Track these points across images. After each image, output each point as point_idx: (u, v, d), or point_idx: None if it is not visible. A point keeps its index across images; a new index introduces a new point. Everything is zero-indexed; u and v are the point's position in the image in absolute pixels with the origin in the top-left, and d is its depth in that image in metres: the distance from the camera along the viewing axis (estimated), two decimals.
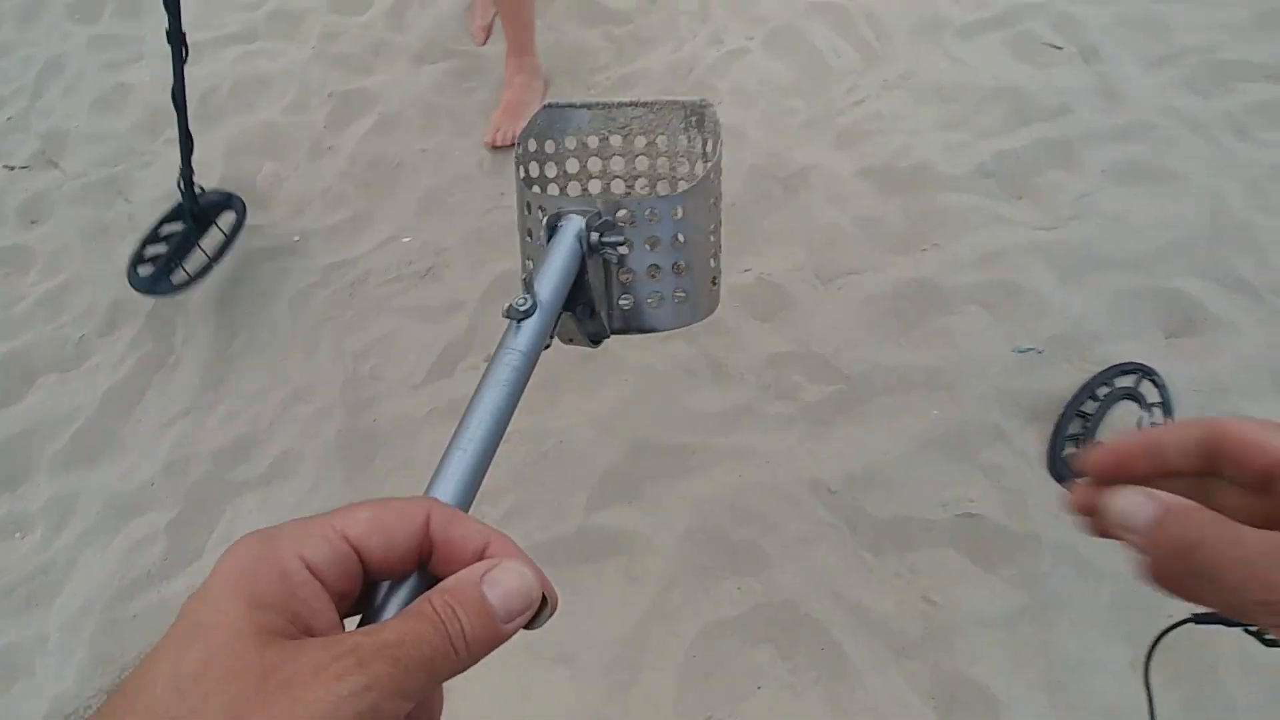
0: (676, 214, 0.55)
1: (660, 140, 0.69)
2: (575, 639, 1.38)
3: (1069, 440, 1.49)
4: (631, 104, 0.67)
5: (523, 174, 0.65)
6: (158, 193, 2.09)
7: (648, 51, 2.19)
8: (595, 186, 0.70)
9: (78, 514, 1.63)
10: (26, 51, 2.50)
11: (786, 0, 2.23)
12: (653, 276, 0.57)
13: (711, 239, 0.60)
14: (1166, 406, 1.47)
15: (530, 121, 0.65)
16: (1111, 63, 1.98)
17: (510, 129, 1.99)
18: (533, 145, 0.66)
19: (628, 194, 0.71)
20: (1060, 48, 2.03)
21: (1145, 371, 1.50)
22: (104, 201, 2.10)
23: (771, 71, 2.09)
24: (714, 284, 0.62)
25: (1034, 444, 1.50)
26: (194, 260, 1.78)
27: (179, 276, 1.73)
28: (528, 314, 0.45)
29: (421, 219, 1.95)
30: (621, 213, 0.54)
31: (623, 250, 0.54)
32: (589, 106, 0.66)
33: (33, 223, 2.09)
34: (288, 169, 2.11)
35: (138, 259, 1.75)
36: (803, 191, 1.86)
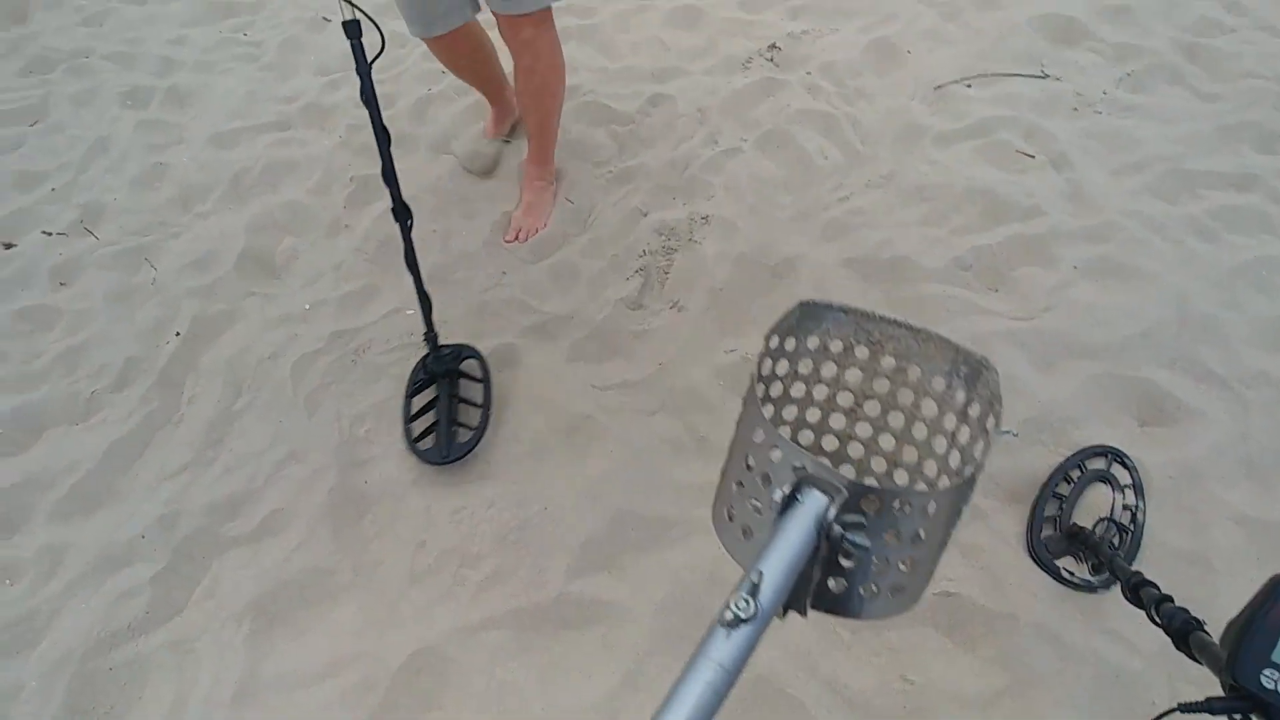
0: (928, 510, 0.50)
1: (912, 371, 0.62)
2: (550, 706, 1.37)
3: (1046, 521, 1.51)
4: (894, 322, 0.61)
5: (769, 384, 0.60)
6: (184, 260, 2.21)
7: (647, 149, 2.35)
8: (814, 415, 0.65)
9: (67, 564, 1.65)
10: (77, 131, 2.70)
11: (778, 107, 2.41)
12: (878, 568, 0.51)
13: (949, 537, 0.54)
14: (1138, 489, 1.50)
15: (784, 316, 0.61)
16: (1080, 170, 2.11)
17: (530, 226, 2.12)
18: (775, 342, 0.61)
19: (849, 433, 0.66)
20: (1032, 155, 2.17)
21: (1116, 455, 1.54)
22: (131, 267, 2.22)
23: (763, 169, 2.24)
24: (932, 574, 0.55)
25: (1012, 524, 1.53)
26: (466, 414, 1.74)
27: (464, 435, 1.68)
28: (746, 622, 0.41)
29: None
30: (871, 499, 0.48)
31: (867, 545, 0.48)
32: (846, 311, 0.62)
33: (62, 284, 2.21)
34: (305, 244, 2.24)
35: (414, 439, 1.70)
36: (789, 278, 1.96)
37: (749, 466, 0.53)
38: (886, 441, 0.65)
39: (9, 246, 2.34)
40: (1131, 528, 1.46)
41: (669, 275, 2.00)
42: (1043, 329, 1.78)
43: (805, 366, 0.64)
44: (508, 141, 2.40)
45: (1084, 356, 1.73)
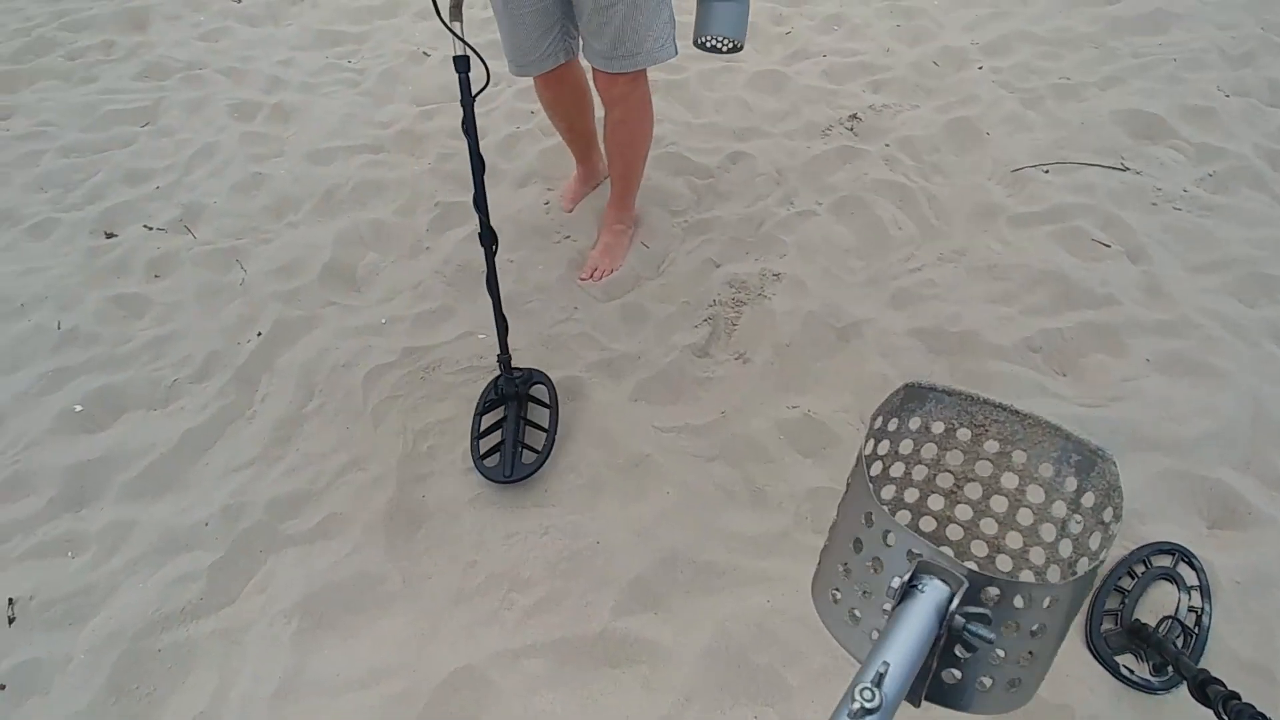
0: (1047, 604, 0.49)
1: (1016, 455, 0.62)
2: None
3: (1106, 615, 1.47)
4: (1000, 406, 0.61)
5: (870, 463, 0.60)
6: (272, 265, 2.31)
7: (724, 203, 2.42)
8: (911, 495, 0.65)
9: (130, 542, 1.70)
10: (185, 136, 2.87)
11: (855, 174, 2.46)
12: (995, 661, 0.51)
13: (1067, 630, 0.54)
14: (1204, 590, 1.46)
15: (889, 397, 0.62)
16: (1157, 263, 2.10)
17: (606, 267, 2.18)
18: (879, 422, 0.62)
19: (948, 515, 0.66)
20: (1108, 245, 2.18)
21: (1183, 553, 1.50)
22: (223, 268, 2.33)
23: (836, 233, 2.28)
24: (1048, 669, 0.54)
25: None
26: (531, 437, 1.78)
27: (528, 457, 1.73)
28: (870, 713, 0.41)
29: None
30: (991, 590, 0.48)
31: (991, 638, 0.47)
32: (950, 393, 0.62)
33: (156, 277, 2.33)
34: (387, 261, 2.33)
35: (480, 455, 1.74)
36: (855, 342, 1.97)
37: (857, 549, 0.53)
38: (988, 526, 0.65)
39: (110, 236, 2.48)
40: (1196, 630, 1.42)
41: (737, 327, 2.04)
42: (1111, 418, 1.76)
43: (906, 447, 0.64)
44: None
45: (1153, 450, 1.70)
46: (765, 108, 2.80)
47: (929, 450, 0.64)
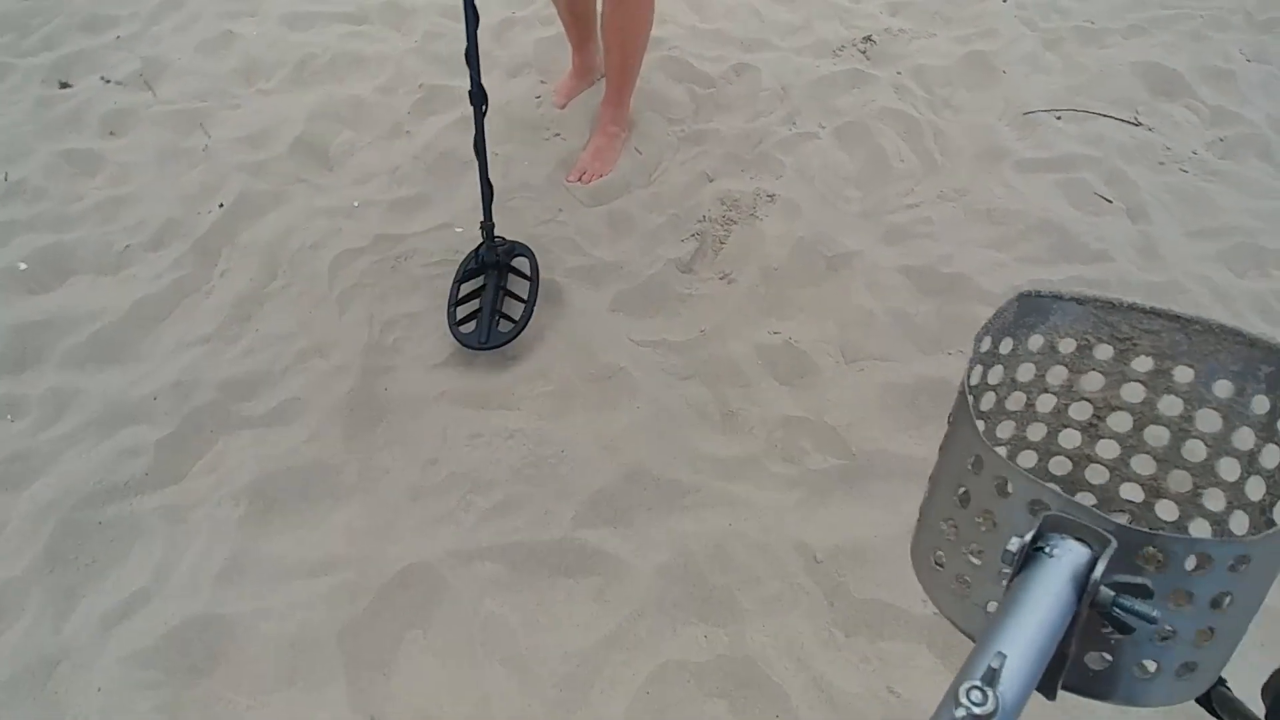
0: (1232, 564, 0.37)
1: (1180, 373, 0.49)
2: (533, 647, 1.36)
3: None
4: (1152, 311, 0.48)
5: (979, 395, 0.50)
6: (238, 133, 2.17)
7: (724, 115, 2.30)
8: (1037, 431, 0.53)
9: (73, 410, 1.63)
10: None
11: (863, 100, 2.35)
12: (1161, 640, 0.39)
13: (1264, 597, 0.41)
14: None
15: (998, 313, 0.50)
16: (1156, 224, 2.06)
17: (596, 170, 2.07)
18: (987, 344, 0.50)
19: (1087, 454, 0.53)
20: (1110, 200, 2.12)
21: None
22: (184, 131, 2.17)
23: (836, 159, 2.19)
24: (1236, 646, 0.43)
25: None
26: (510, 307, 1.76)
27: (505, 326, 1.71)
28: None
29: (478, 215, 2.01)
30: (1151, 550, 0.37)
31: (1154, 616, 0.36)
32: (1081, 301, 0.50)
33: (111, 134, 2.16)
34: (363, 141, 2.19)
35: (456, 321, 1.72)
36: (844, 273, 1.92)
37: (964, 502, 0.43)
38: (1143, 464, 0.51)
39: (65, 86, 2.30)
40: None
41: (724, 245, 1.96)
42: None
43: (1025, 372, 0.52)
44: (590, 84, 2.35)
45: None
46: (777, 19, 2.65)
47: (1057, 375, 0.52)
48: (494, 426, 1.62)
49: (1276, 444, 0.46)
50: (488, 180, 1.75)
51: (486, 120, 1.73)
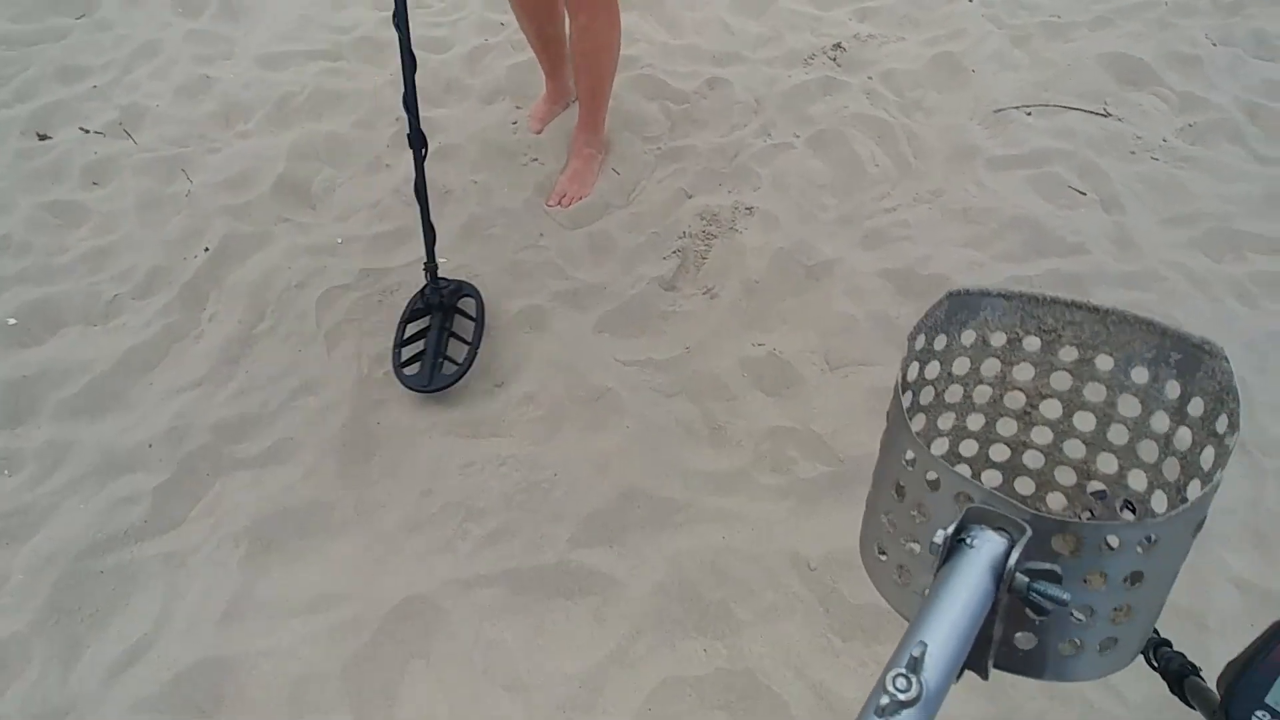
0: (1143, 545, 0.39)
1: (1101, 361, 0.52)
2: (534, 671, 1.38)
3: None
4: (1073, 304, 0.51)
5: (918, 390, 0.52)
6: (220, 176, 2.19)
7: (699, 131, 2.33)
8: (975, 421, 0.55)
9: (70, 462, 1.64)
10: (125, 31, 2.67)
11: (835, 107, 2.38)
12: (1080, 619, 0.41)
13: (1178, 571, 0.44)
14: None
15: (929, 312, 0.52)
16: (1130, 214, 2.09)
17: (575, 193, 2.10)
18: (922, 342, 0.52)
19: (1023, 440, 0.55)
20: (1084, 193, 2.15)
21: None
22: (166, 177, 2.20)
23: (812, 168, 2.22)
24: (1155, 621, 0.46)
25: None
26: (454, 349, 1.76)
27: (449, 369, 1.71)
28: (907, 706, 0.33)
29: (461, 244, 2.03)
30: (1066, 535, 0.38)
31: (1064, 599, 0.38)
32: (1007, 296, 0.52)
33: (94, 184, 2.19)
34: (344, 177, 2.21)
35: (400, 363, 1.72)
36: (825, 280, 1.94)
37: (899, 495, 0.45)
38: (1074, 448, 0.55)
39: (44, 138, 2.32)
40: None
41: (706, 260, 1.99)
42: None
43: (961, 366, 0.54)
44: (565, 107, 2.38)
45: None
46: (747, 31, 2.68)
47: (990, 366, 0.54)
48: (486, 454, 1.64)
49: (1187, 426, 0.49)
50: (429, 223, 1.76)
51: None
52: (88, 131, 2.33)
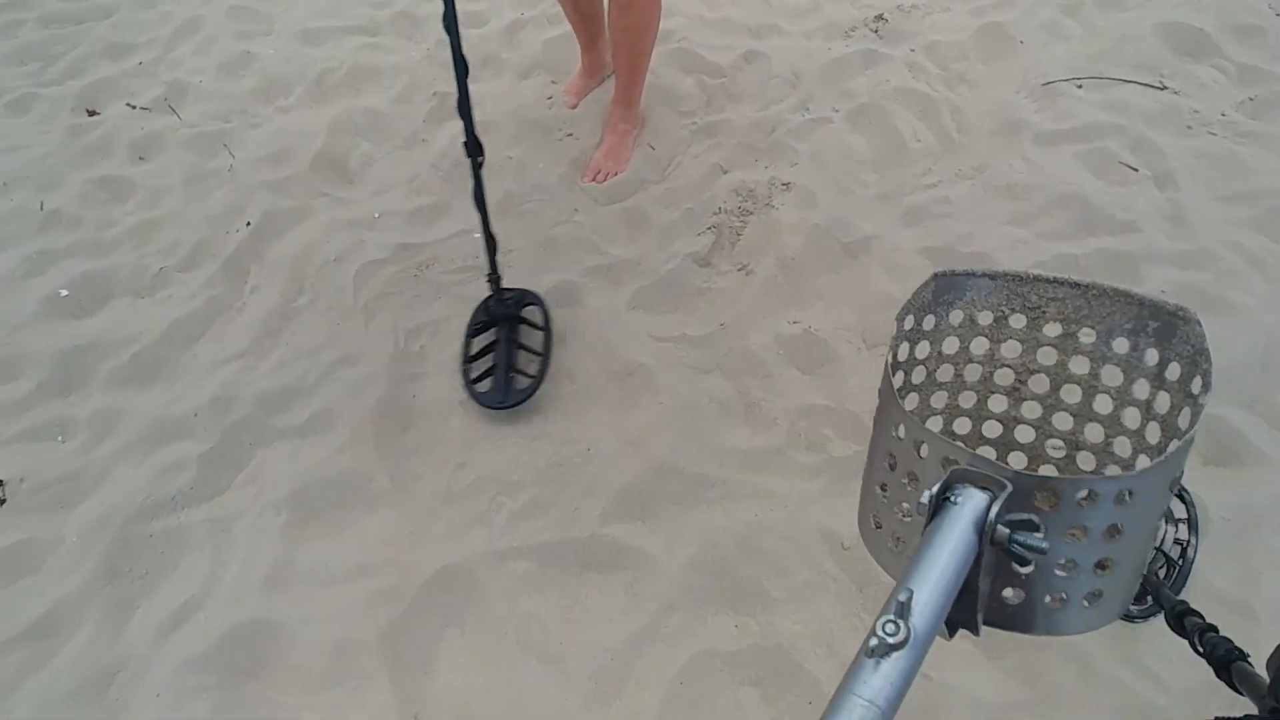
0: (1122, 499, 0.42)
1: (1084, 335, 0.54)
2: (567, 643, 1.39)
3: None
4: (1055, 281, 0.53)
5: (909, 369, 0.54)
6: (261, 152, 2.22)
7: (735, 105, 2.29)
8: (968, 399, 0.57)
9: (120, 429, 1.69)
10: (169, 8, 2.71)
11: (876, 81, 2.33)
12: (1063, 572, 0.43)
13: (1157, 528, 0.47)
14: (1193, 524, 1.45)
15: (916, 293, 0.54)
16: (1185, 190, 2.01)
17: (610, 169, 2.08)
18: (910, 323, 0.55)
19: (1014, 415, 0.58)
20: (1136, 169, 2.08)
21: None
22: (210, 152, 2.23)
23: (851, 143, 2.17)
24: (1140, 576, 0.48)
25: None
26: (524, 360, 1.72)
27: (521, 383, 1.67)
28: (896, 649, 0.35)
29: (496, 219, 2.01)
30: (1044, 491, 0.41)
31: (1043, 548, 0.40)
32: (993, 276, 0.54)
33: (140, 159, 2.23)
34: (381, 152, 2.23)
35: (472, 379, 1.69)
36: (863, 258, 1.91)
37: (892, 466, 0.48)
38: (1062, 421, 0.57)
39: (93, 114, 2.37)
40: (1180, 562, 1.42)
41: (741, 237, 1.97)
42: None
43: (951, 345, 0.56)
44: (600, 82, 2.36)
45: None
46: (785, 3, 2.62)
47: (979, 345, 0.57)
48: (520, 428, 1.65)
49: (1166, 391, 0.51)
50: (490, 233, 1.71)
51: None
52: (134, 107, 2.37)
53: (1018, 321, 0.55)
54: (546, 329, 1.75)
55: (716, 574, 1.46)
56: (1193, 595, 1.41)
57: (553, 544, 1.50)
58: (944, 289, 0.55)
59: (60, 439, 1.70)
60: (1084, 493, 0.41)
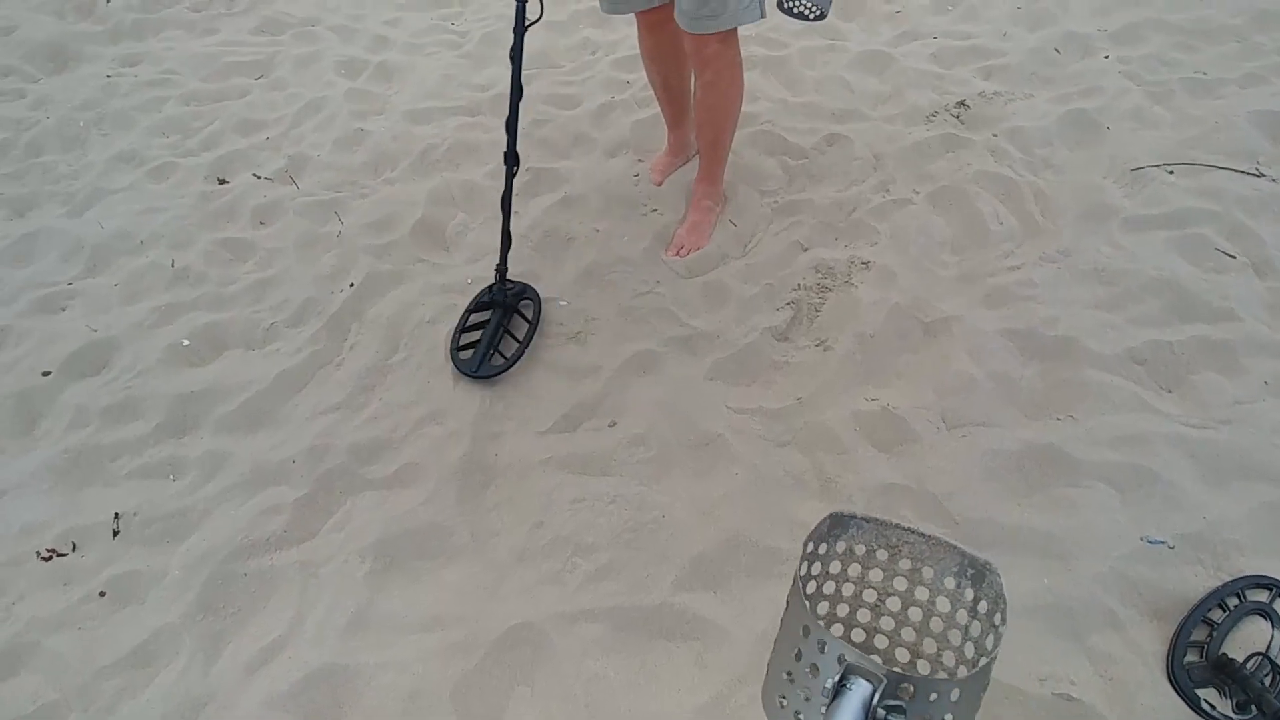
0: (953, 696, 0.58)
1: (925, 571, 0.73)
2: (635, 710, 1.39)
3: (1191, 647, 1.39)
4: (909, 530, 0.72)
5: (805, 583, 0.71)
6: (367, 219, 2.40)
7: (816, 185, 2.36)
8: (843, 610, 0.76)
9: (225, 471, 1.81)
10: (295, 90, 2.99)
11: (958, 164, 2.35)
12: None
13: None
14: None
15: (816, 526, 0.71)
16: None
17: (692, 244, 2.16)
18: (810, 547, 0.72)
19: (874, 626, 0.76)
20: (1233, 256, 2.02)
21: None
22: (322, 218, 2.42)
23: (932, 224, 2.19)
24: None
25: (1151, 640, 1.42)
26: (506, 346, 1.94)
27: (497, 361, 1.89)
28: None
29: (580, 288, 2.13)
30: (906, 686, 0.57)
31: None
32: (869, 520, 0.72)
33: (261, 223, 2.44)
34: (476, 222, 2.37)
35: (457, 346, 1.94)
36: (942, 338, 1.90)
37: (797, 658, 0.61)
38: (908, 634, 0.75)
39: (223, 182, 2.61)
40: None
41: (820, 313, 1.99)
42: (1218, 441, 1.65)
43: (835, 567, 0.74)
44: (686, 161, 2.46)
45: (1260, 479, 1.59)
46: (867, 89, 2.71)
47: (854, 570, 0.74)
48: (596, 491, 1.68)
49: (978, 620, 0.70)
50: (507, 231, 1.99)
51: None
52: (259, 177, 2.61)
53: (882, 555, 0.73)
54: (533, 323, 1.98)
55: None
56: None
57: (624, 609, 1.51)
58: (835, 525, 0.72)
59: (171, 477, 1.83)
60: (933, 692, 0.57)
